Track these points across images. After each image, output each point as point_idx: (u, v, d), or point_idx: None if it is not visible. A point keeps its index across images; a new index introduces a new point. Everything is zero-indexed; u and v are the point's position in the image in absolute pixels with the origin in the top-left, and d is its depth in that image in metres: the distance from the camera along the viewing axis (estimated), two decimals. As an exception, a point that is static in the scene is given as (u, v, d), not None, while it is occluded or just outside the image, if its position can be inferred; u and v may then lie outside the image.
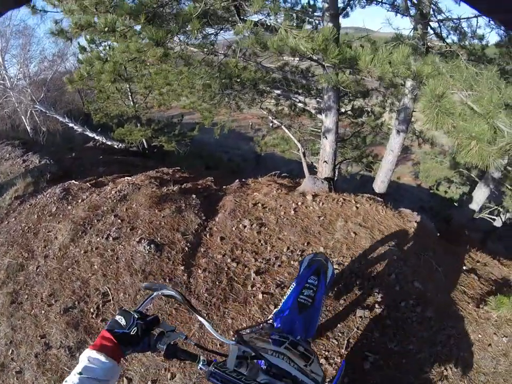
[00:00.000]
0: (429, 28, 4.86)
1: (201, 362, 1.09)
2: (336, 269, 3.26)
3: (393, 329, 2.78)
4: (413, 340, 2.71)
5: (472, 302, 3.07)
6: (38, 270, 3.75)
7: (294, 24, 4.63)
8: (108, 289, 3.29)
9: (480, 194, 6.31)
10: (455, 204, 9.59)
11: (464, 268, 3.51)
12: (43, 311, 3.27)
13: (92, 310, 3.16)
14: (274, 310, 2.55)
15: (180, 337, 1.13)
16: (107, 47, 8.83)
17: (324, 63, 3.61)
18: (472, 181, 8.51)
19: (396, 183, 13.50)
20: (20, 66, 13.86)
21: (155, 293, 1.17)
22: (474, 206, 6.46)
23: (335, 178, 6.13)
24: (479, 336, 2.80)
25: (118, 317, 1.07)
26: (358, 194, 4.46)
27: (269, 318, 2.21)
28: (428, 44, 4.76)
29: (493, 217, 6.40)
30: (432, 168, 9.74)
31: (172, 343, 1.09)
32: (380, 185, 6.31)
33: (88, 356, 0.97)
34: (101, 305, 3.18)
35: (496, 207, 6.34)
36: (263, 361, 1.19)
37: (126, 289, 3.24)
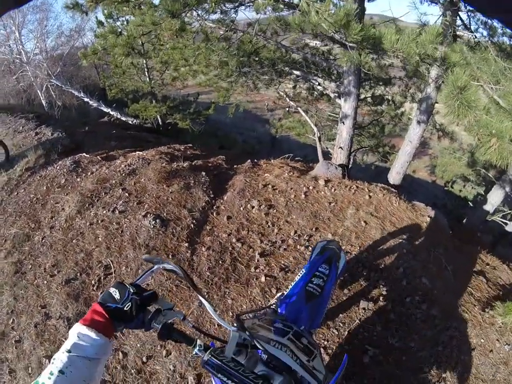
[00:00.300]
0: (457, 18, 4.58)
1: (197, 347, 1.01)
2: None
3: (396, 324, 2.70)
4: (415, 338, 2.63)
5: (478, 305, 2.97)
6: (43, 240, 3.76)
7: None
8: (111, 262, 3.26)
9: (496, 196, 6.08)
10: (469, 203, 9.35)
11: (473, 269, 3.40)
12: (45, 282, 3.28)
13: (93, 282, 3.14)
14: (277, 295, 2.47)
15: (177, 317, 1.06)
16: (124, 22, 8.71)
17: (346, 41, 3.43)
18: (489, 182, 8.24)
19: (411, 177, 13.23)
20: (36, 41, 13.93)
21: (156, 266, 1.13)
22: (489, 207, 6.24)
23: (350, 165, 5.98)
24: (482, 341, 2.71)
25: (112, 290, 1.01)
26: (372, 183, 4.33)
27: (271, 302, 2.13)
28: (456, 33, 4.49)
29: (505, 221, 6.17)
30: (449, 163, 9.47)
31: (168, 322, 1.03)
32: (395, 176, 6.13)
33: (78, 332, 0.91)
34: (102, 278, 3.16)
35: (510, 211, 6.11)
36: (260, 351, 1.12)
37: (129, 263, 3.21)
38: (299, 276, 1.85)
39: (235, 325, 1.10)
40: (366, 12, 5.72)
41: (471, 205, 9.09)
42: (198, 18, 4.61)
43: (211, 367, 0.97)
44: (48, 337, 2.84)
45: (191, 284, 1.07)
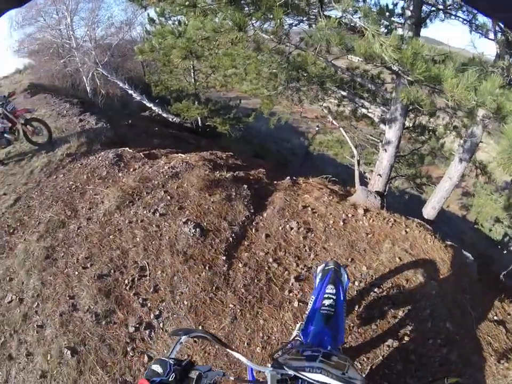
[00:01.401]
0: None
1: None
2: (375, 292, 3.17)
3: (416, 365, 2.66)
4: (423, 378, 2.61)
5: (495, 355, 2.88)
6: (79, 230, 3.82)
7: (383, 30, 4.40)
8: (147, 264, 3.30)
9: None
10: (498, 245, 9.03)
11: (494, 317, 3.29)
12: (76, 272, 3.32)
13: (126, 281, 3.17)
14: (297, 325, 2.50)
15: (218, 375, 1.14)
16: (176, 22, 8.85)
17: (408, 77, 3.40)
18: None
19: (442, 209, 12.81)
20: (87, 29, 14.27)
21: (183, 337, 1.21)
22: None
23: (385, 193, 5.90)
24: None
25: (153, 366, 1.08)
26: (409, 218, 4.27)
27: (294, 334, 2.19)
28: None
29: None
30: (486, 205, 9.19)
31: (211, 382, 1.11)
32: (430, 211, 5.97)
33: None
34: (136, 279, 3.19)
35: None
36: (300, 380, 1.20)
37: (165, 268, 3.24)
38: (310, 303, 1.98)
39: (269, 365, 1.21)
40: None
41: (499, 246, 8.77)
42: (254, 28, 4.68)
43: None
44: (72, 328, 2.88)
45: (221, 344, 1.16)
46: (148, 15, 8.69)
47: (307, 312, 1.98)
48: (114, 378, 2.56)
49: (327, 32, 3.55)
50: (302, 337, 1.83)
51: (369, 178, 6.20)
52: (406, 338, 2.82)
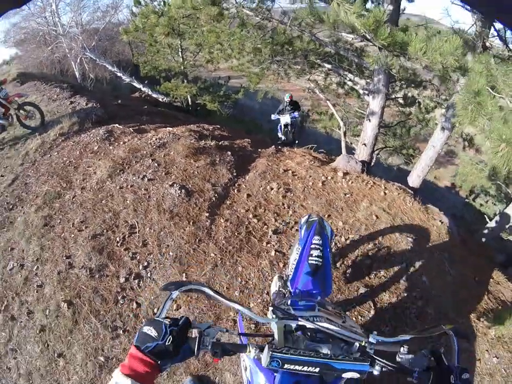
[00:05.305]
0: (492, 28, 4.54)
1: (252, 351, 1.01)
2: (349, 245, 3.33)
3: (390, 314, 2.81)
4: (406, 330, 2.68)
5: (474, 313, 3.02)
6: (74, 199, 4.04)
7: None
8: (136, 223, 3.54)
9: (514, 214, 5.97)
10: (487, 220, 9.15)
11: (476, 278, 3.43)
12: (72, 235, 3.56)
13: (117, 239, 3.42)
14: (275, 277, 2.59)
15: (221, 331, 1.05)
16: (161, 3, 8.87)
17: (374, 43, 3.54)
18: (510, 199, 8.04)
19: (434, 185, 12.97)
20: (72, 15, 14.08)
21: (174, 292, 1.09)
22: (506, 225, 6.14)
23: (372, 163, 6.06)
24: (471, 348, 2.76)
25: (145, 328, 0.94)
26: (389, 181, 4.42)
27: (278, 287, 2.31)
28: (487, 43, 4.46)
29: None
30: (470, 173, 9.26)
31: (215, 340, 1.00)
32: (415, 179, 6.14)
33: (116, 382, 0.86)
34: (127, 236, 3.44)
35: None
36: (303, 331, 1.16)
37: (152, 225, 3.48)
38: (296, 253, 1.96)
39: (273, 316, 1.14)
40: (406, 11, 5.70)
41: (488, 220, 8.87)
42: (236, 4, 4.77)
43: (277, 362, 0.97)
44: (69, 284, 3.11)
45: (219, 295, 1.07)
46: (134, -4, 8.71)
47: (293, 262, 1.95)
48: (106, 325, 2.79)
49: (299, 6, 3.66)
50: (290, 286, 1.83)
51: (356, 149, 6.36)
52: (380, 288, 2.95)
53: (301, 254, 1.91)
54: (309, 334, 1.15)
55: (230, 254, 3.18)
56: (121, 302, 2.93)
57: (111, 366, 2.61)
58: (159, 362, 0.90)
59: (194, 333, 1.01)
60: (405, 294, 2.96)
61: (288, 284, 1.88)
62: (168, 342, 0.92)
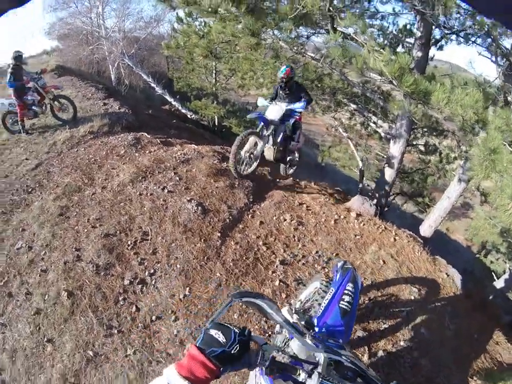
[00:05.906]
0: None
1: (302, 375, 1.04)
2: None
3: (385, 361, 2.79)
4: (398, 379, 2.68)
5: (468, 370, 2.97)
6: (93, 196, 4.21)
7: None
8: (150, 230, 3.66)
9: (523, 274, 5.83)
10: (495, 278, 8.92)
11: (475, 336, 3.37)
12: (86, 230, 3.69)
13: (129, 242, 3.54)
14: (284, 309, 2.64)
15: (274, 350, 1.06)
16: (202, 23, 9.26)
17: (399, 89, 3.66)
18: None
19: (448, 238, 12.75)
20: (117, 20, 14.81)
21: (234, 300, 1.12)
22: None
23: (386, 208, 6.07)
24: None
25: (213, 332, 0.93)
26: (401, 228, 4.44)
27: (292, 320, 2.35)
28: (508, 98, 4.53)
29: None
30: (482, 228, 9.11)
31: (271, 357, 1.01)
32: (426, 228, 6.10)
33: (170, 380, 0.83)
34: (138, 241, 3.55)
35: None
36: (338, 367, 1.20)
37: (165, 236, 3.60)
38: (330, 294, 1.99)
39: (320, 347, 1.17)
40: (435, 58, 5.83)
41: (496, 278, 8.62)
42: (273, 36, 5.02)
43: None
44: (73, 275, 3.22)
45: (286, 323, 1.09)
46: (177, 14, 9.09)
47: (323, 303, 1.96)
48: (102, 322, 2.87)
49: (333, 45, 3.85)
50: (316, 322, 1.85)
51: (372, 192, 6.41)
52: (377, 334, 2.95)
53: (333, 295, 1.96)
54: (341, 370, 1.18)
55: (235, 277, 3.25)
56: (121, 303, 3.01)
57: (98, 362, 2.65)
58: (221, 369, 0.89)
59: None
60: (402, 343, 2.95)
61: (314, 320, 1.90)
62: (234, 351, 0.91)
